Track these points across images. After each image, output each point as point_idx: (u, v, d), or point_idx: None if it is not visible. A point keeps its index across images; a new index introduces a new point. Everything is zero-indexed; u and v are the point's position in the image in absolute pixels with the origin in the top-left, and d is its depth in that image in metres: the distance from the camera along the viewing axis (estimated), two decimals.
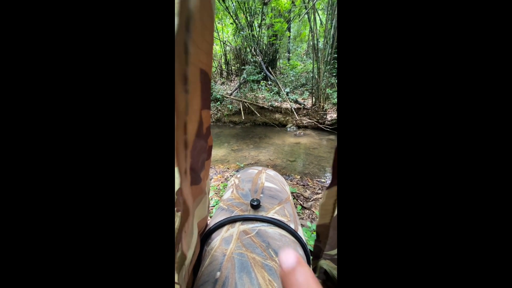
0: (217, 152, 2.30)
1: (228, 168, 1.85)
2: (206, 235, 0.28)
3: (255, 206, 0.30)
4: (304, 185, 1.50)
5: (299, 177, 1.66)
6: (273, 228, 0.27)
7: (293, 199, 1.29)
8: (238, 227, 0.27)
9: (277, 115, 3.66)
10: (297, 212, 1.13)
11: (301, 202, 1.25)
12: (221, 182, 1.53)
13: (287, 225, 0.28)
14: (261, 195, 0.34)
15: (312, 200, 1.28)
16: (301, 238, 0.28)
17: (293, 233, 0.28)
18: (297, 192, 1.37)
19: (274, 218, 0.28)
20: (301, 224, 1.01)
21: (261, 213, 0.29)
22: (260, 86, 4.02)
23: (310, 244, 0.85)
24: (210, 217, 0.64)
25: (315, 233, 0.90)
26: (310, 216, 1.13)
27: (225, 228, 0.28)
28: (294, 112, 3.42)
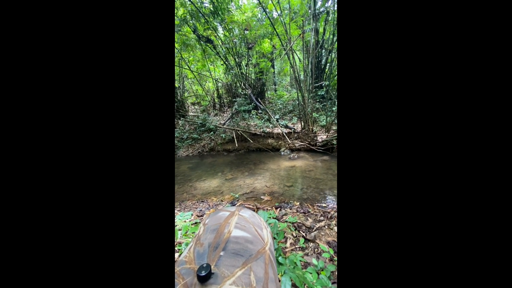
0: (209, 184, 2.18)
1: (222, 201, 1.71)
2: None
3: (203, 278, 0.21)
4: (305, 213, 1.39)
5: (298, 203, 1.55)
6: None
7: (295, 230, 1.16)
8: None
9: (270, 140, 3.74)
10: (299, 246, 1.00)
11: (304, 234, 1.12)
12: None
13: None
14: (222, 253, 0.26)
15: (315, 230, 1.16)
16: None
17: None
18: (298, 221, 1.25)
19: None
20: (306, 263, 0.87)
21: None
22: (251, 115, 4.25)
23: None
24: None
25: (322, 274, 0.76)
26: (316, 250, 0.99)
27: None
28: (286, 136, 3.53)
